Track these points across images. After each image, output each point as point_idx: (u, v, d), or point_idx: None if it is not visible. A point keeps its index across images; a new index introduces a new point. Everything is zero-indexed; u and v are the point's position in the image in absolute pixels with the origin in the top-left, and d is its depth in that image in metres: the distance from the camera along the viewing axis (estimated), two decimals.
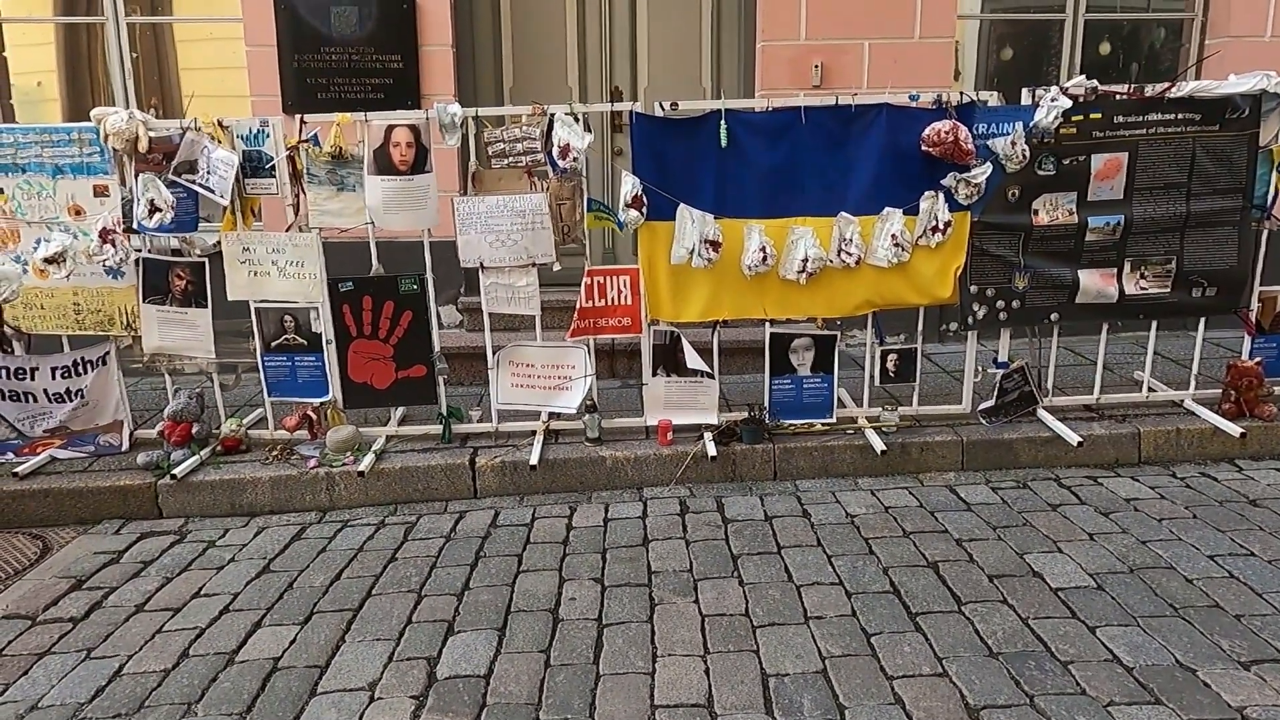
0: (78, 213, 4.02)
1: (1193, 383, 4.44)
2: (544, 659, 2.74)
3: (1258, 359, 4.30)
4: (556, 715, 2.47)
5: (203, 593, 3.26)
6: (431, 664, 2.74)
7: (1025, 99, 4.00)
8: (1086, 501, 3.76)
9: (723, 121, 3.92)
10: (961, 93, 3.97)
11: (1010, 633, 2.79)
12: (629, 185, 3.90)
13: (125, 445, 4.28)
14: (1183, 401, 4.42)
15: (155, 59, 5.86)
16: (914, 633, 2.81)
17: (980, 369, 4.37)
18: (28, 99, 5.87)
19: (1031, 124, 3.93)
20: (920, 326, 4.28)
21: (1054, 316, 4.25)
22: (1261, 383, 4.25)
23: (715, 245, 3.95)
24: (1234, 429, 4.10)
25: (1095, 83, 4.00)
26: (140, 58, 5.75)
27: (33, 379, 4.19)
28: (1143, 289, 4.23)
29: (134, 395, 4.62)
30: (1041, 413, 4.31)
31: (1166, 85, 4.00)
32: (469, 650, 2.80)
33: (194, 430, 4.16)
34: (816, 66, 5.46)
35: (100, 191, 4.01)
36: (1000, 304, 4.22)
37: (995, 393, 4.29)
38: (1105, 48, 5.96)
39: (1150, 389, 4.48)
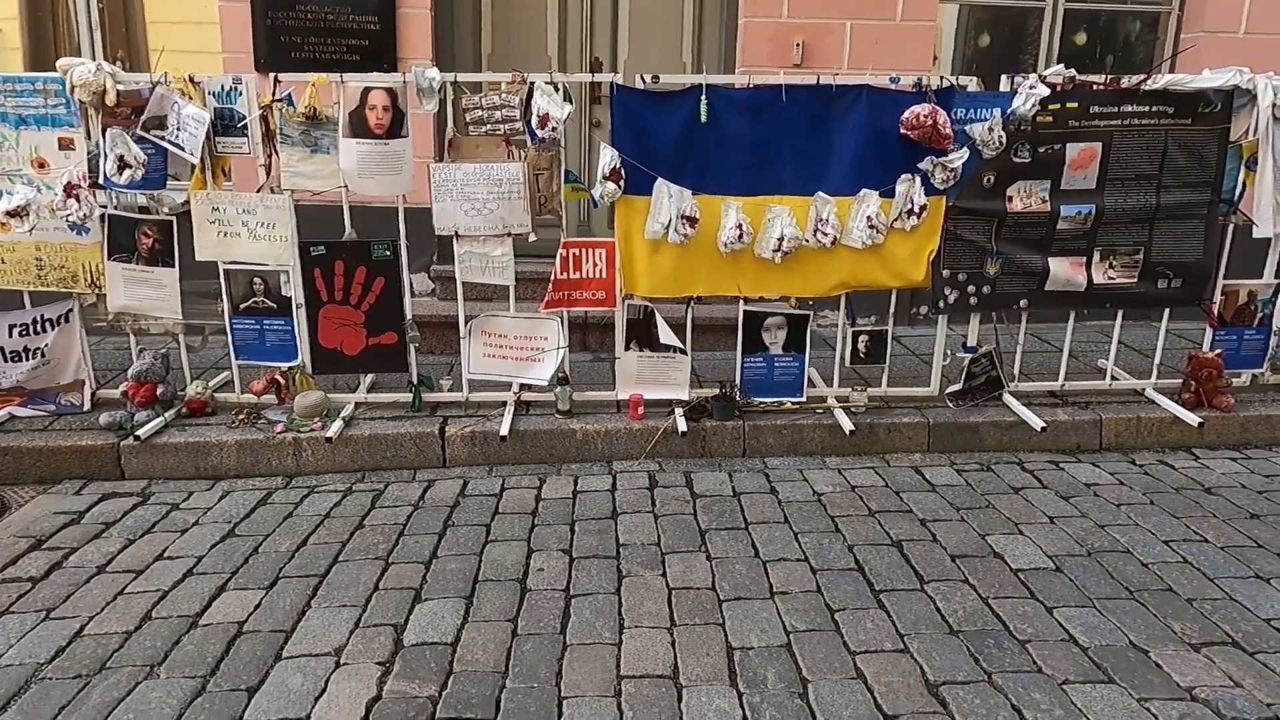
0: (41, 165, 3.92)
1: (1154, 372, 4.52)
2: (511, 628, 2.76)
3: (1218, 350, 4.39)
4: (523, 684, 2.49)
5: (166, 555, 3.23)
6: (398, 631, 2.74)
7: (1004, 86, 4.03)
8: (1048, 485, 3.83)
9: (704, 97, 3.90)
10: (941, 77, 3.98)
11: (970, 612, 2.84)
12: (607, 158, 3.88)
13: (87, 405, 4.21)
14: (1144, 390, 4.51)
15: (122, 10, 5.71)
16: (877, 610, 2.86)
17: (949, 353, 4.43)
18: None
19: (1009, 111, 3.95)
20: (892, 309, 4.32)
21: (1023, 303, 4.31)
22: (1221, 374, 4.35)
23: (692, 221, 3.95)
24: (1192, 418, 4.19)
25: (1073, 72, 4.03)
26: (106, 8, 5.60)
27: None
28: (1110, 279, 4.29)
29: (97, 354, 4.53)
30: (1007, 397, 4.38)
31: (1142, 77, 4.04)
32: (436, 618, 2.80)
33: (159, 391, 4.10)
34: (798, 45, 5.45)
35: (65, 144, 3.91)
36: (971, 289, 4.26)
37: (963, 377, 4.35)
38: (1082, 37, 6.00)
39: (1113, 377, 4.56)
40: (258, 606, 2.88)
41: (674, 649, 2.64)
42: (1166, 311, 4.47)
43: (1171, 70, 5.43)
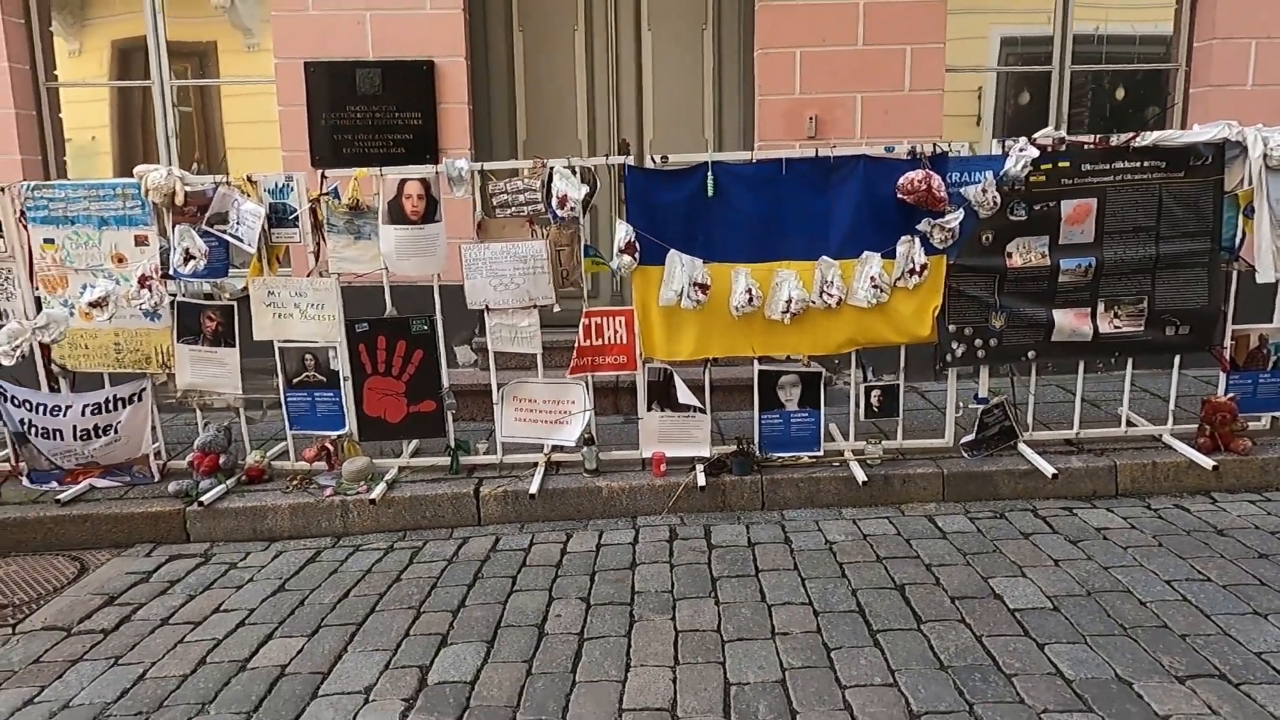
0: (120, 260, 4.39)
1: (1170, 418, 4.59)
2: (526, 668, 2.98)
3: (1232, 395, 4.45)
4: (532, 716, 2.70)
5: (222, 608, 3.54)
6: (424, 671, 2.99)
7: (995, 149, 4.25)
8: (1058, 531, 3.93)
9: (710, 173, 4.21)
10: (934, 143, 4.21)
11: (962, 648, 2.97)
12: (622, 233, 4.19)
13: (157, 475, 4.61)
14: (1161, 436, 4.57)
15: (201, 113, 6.32)
16: (872, 648, 3.01)
17: (961, 404, 4.57)
18: (82, 152, 6.34)
19: (1002, 173, 4.17)
20: (902, 364, 4.49)
21: (1030, 354, 4.45)
22: (1235, 418, 4.40)
23: (704, 288, 4.22)
24: (1207, 462, 4.25)
25: (1063, 133, 4.25)
26: (192, 112, 6.21)
27: (64, 415, 4.48)
28: (1116, 328, 4.41)
29: (167, 429, 4.95)
30: (1021, 446, 4.49)
31: (1130, 135, 4.22)
32: (459, 660, 3.05)
33: (221, 461, 4.48)
34: (811, 119, 5.75)
35: (140, 241, 4.38)
36: (979, 342, 4.43)
37: (976, 427, 4.48)
38: (1098, 95, 6.19)
39: (1129, 424, 4.64)
40: (299, 652, 3.16)
41: (675, 685, 2.83)
42: (1177, 358, 4.56)
43: (1183, 125, 5.62)
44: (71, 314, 4.41)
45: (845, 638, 3.07)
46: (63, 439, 4.50)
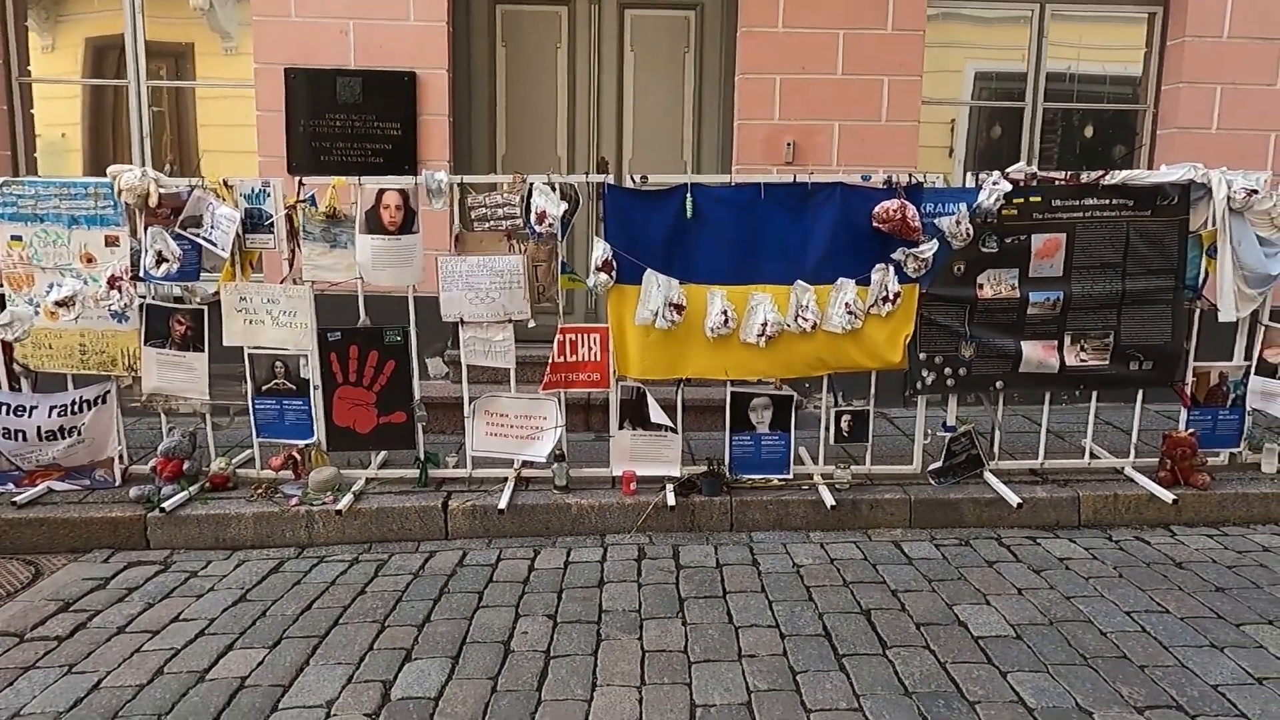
0: (89, 260, 4.33)
1: (1132, 451, 4.68)
2: (491, 685, 2.95)
3: (1192, 430, 4.55)
4: None
5: (181, 618, 3.47)
6: (387, 686, 2.95)
7: (970, 182, 4.33)
8: (1022, 559, 3.98)
9: (689, 195, 4.24)
10: (910, 174, 4.29)
11: (926, 674, 2.99)
12: (600, 250, 4.20)
13: (119, 480, 4.53)
14: (1123, 469, 4.65)
15: (175, 115, 6.25)
16: (838, 672, 3.02)
17: (930, 432, 4.62)
18: (52, 149, 6.25)
19: (975, 205, 4.24)
20: (873, 390, 4.54)
21: (999, 384, 4.52)
22: (1195, 452, 4.49)
23: (679, 309, 4.24)
24: (1167, 495, 4.32)
25: (1034, 169, 4.33)
26: (163, 113, 6.15)
27: (30, 416, 4.41)
28: (1082, 360, 4.49)
29: (130, 433, 4.86)
30: (987, 475, 4.55)
31: (1100, 173, 4.32)
32: (423, 675, 3.01)
33: (185, 467, 4.41)
34: (789, 145, 5.83)
35: (111, 241, 4.32)
36: (948, 371, 4.49)
37: (944, 455, 4.54)
38: (1068, 132, 6.33)
39: (1093, 455, 4.72)
40: (260, 664, 3.11)
41: (640, 705, 2.82)
42: (1140, 393, 4.65)
43: (1150, 165, 5.75)
44: (36, 313, 4.34)
45: (811, 661, 3.08)
46: (25, 440, 4.41)
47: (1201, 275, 4.46)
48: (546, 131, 6.19)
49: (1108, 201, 4.34)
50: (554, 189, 4.24)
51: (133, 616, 3.49)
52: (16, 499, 4.24)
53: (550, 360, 4.40)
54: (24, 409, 4.40)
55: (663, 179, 4.34)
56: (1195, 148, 5.65)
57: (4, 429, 4.39)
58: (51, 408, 4.42)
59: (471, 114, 6.14)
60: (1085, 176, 4.33)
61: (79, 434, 4.47)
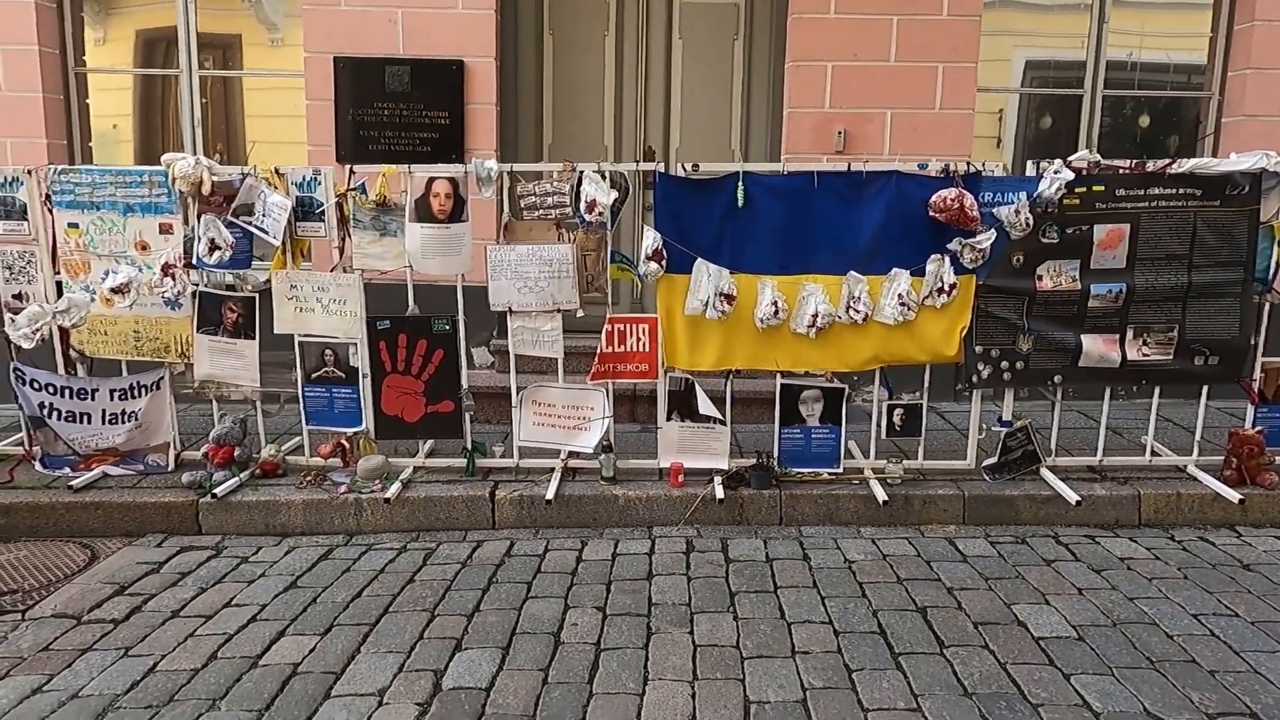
0: (144, 248, 4.38)
1: (1195, 449, 4.54)
2: (542, 677, 2.93)
3: (1259, 428, 4.40)
4: None
5: (234, 603, 3.50)
6: (438, 676, 2.94)
7: (1030, 170, 4.21)
8: (1081, 559, 3.87)
9: (741, 183, 4.18)
10: (968, 162, 4.18)
11: (987, 675, 2.92)
12: (650, 239, 4.16)
13: (171, 465, 4.58)
14: (1186, 467, 4.51)
15: (224, 105, 6.30)
16: (894, 671, 2.95)
17: (985, 427, 4.52)
18: (104, 140, 6.34)
19: (1035, 194, 4.12)
20: (926, 383, 4.45)
21: (1057, 379, 4.40)
22: (1263, 451, 4.34)
23: (729, 298, 4.18)
24: (1233, 495, 4.18)
25: (1098, 157, 4.20)
26: (209, 104, 6.20)
27: (92, 399, 4.50)
28: (1145, 355, 4.36)
29: (182, 419, 4.92)
30: (1044, 471, 4.44)
31: (1167, 161, 4.18)
32: (474, 665, 3.00)
33: (236, 454, 4.44)
34: (840, 133, 5.72)
35: (165, 229, 4.36)
36: (1005, 364, 4.38)
37: (999, 450, 4.43)
38: (1122, 122, 6.16)
39: (1154, 453, 4.58)
40: (312, 650, 3.12)
41: (693, 701, 2.78)
42: (1205, 388, 4.50)
43: (1215, 151, 5.57)
44: (92, 299, 4.39)
45: (867, 659, 3.02)
46: (90, 423, 4.49)
47: (1272, 268, 4.30)
48: (593, 120, 6.15)
49: (1174, 191, 4.20)
50: (604, 177, 4.19)
51: (186, 601, 3.52)
52: (73, 483, 4.30)
53: (598, 350, 4.36)
54: (86, 392, 4.47)
55: (714, 167, 4.27)
56: (1262, 135, 5.47)
57: (67, 412, 4.47)
58: (112, 391, 4.48)
59: (518, 102, 6.12)
60: (1151, 165, 4.19)
61: (136, 418, 4.52)
